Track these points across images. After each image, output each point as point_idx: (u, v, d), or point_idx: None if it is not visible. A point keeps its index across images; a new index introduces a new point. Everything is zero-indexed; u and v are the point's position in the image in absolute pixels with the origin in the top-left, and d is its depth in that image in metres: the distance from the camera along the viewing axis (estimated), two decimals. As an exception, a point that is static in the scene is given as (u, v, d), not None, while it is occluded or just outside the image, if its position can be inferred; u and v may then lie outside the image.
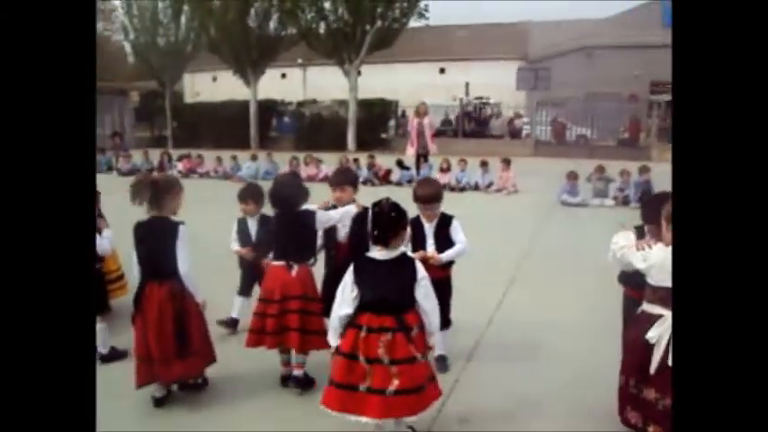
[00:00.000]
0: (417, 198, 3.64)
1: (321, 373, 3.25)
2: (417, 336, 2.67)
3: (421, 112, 13.66)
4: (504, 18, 55.21)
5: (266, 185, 3.91)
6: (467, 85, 29.17)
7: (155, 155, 16.96)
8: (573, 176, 10.95)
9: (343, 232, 3.79)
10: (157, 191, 3.16)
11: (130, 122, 28.43)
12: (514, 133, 25.75)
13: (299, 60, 30.74)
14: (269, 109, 26.56)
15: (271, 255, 3.55)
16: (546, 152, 21.53)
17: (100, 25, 38.33)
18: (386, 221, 2.67)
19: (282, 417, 3.23)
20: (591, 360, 3.84)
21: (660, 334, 2.57)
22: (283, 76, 37.34)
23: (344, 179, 3.87)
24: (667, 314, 2.58)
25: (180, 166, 15.74)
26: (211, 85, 39.56)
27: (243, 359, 3.70)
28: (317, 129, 24.64)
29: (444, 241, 3.61)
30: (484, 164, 12.99)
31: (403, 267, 2.69)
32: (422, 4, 22.99)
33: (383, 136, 24.84)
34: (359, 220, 3.56)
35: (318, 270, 3.70)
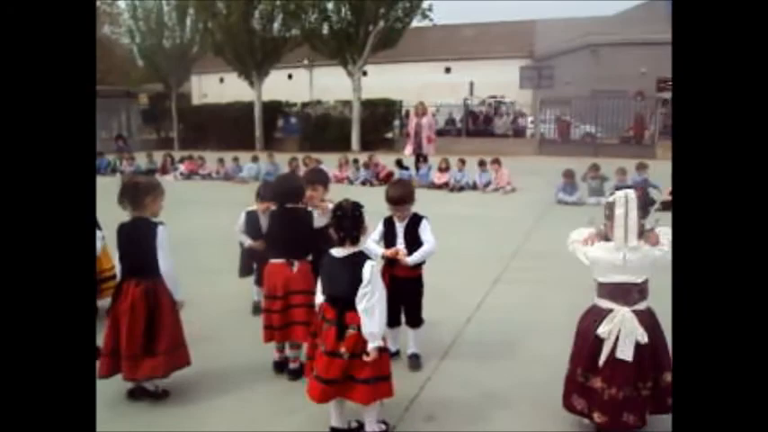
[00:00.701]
0: (388, 199, 3.70)
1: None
2: (351, 335, 2.74)
3: (419, 111, 13.68)
4: (510, 16, 55.11)
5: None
6: (471, 84, 29.17)
7: (160, 157, 17.17)
8: (569, 175, 10.91)
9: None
10: (138, 193, 3.26)
11: (137, 125, 28.71)
12: (519, 132, 25.71)
13: (306, 61, 30.83)
14: (274, 110, 26.75)
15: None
16: (551, 150, 21.51)
17: (107, 29, 38.73)
18: (349, 223, 2.82)
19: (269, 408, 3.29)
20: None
21: (610, 329, 2.63)
22: (290, 77, 37.51)
23: (315, 178, 4.04)
24: (617, 309, 2.66)
25: (182, 167, 15.94)
26: (219, 87, 39.84)
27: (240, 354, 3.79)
28: (321, 129, 24.80)
29: (414, 240, 3.68)
30: (482, 163, 13.01)
31: (354, 266, 2.76)
32: (425, 5, 23.05)
33: (388, 136, 24.93)
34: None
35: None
